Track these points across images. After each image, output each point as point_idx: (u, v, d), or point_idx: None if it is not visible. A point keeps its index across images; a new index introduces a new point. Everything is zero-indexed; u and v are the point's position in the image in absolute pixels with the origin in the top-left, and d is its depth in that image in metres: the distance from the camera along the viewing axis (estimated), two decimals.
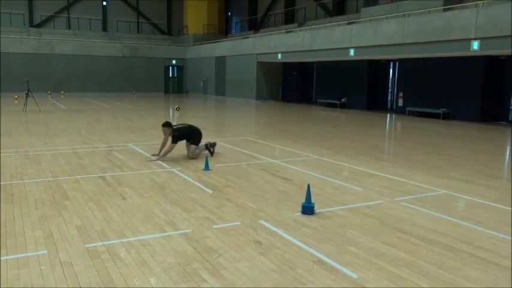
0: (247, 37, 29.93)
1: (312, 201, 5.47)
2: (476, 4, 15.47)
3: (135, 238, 4.53)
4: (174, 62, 36.44)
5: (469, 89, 17.50)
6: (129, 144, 10.54)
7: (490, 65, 17.10)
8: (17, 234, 4.58)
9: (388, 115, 20.39)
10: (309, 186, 5.50)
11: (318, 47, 22.04)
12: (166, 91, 36.58)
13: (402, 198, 6.17)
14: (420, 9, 17.37)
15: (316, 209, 5.48)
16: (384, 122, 18.08)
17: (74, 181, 6.92)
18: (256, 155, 9.51)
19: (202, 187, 6.66)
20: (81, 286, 3.48)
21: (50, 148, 9.92)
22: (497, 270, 3.91)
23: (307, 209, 5.40)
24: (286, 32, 25.89)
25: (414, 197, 6.27)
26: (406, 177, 7.50)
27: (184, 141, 8.96)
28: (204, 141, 9.18)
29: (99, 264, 3.89)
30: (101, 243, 4.38)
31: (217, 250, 4.25)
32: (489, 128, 15.60)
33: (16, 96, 24.51)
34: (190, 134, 8.95)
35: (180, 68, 37.01)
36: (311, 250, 4.26)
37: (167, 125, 8.70)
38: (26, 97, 18.94)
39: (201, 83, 34.41)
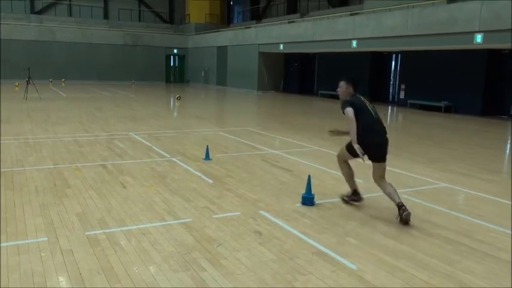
0: (249, 27, 29.75)
1: (312, 192, 5.48)
2: None
3: (135, 226, 4.55)
4: (175, 51, 36.26)
5: (471, 82, 17.42)
6: (130, 133, 10.54)
7: (492, 58, 17.01)
8: (18, 221, 4.59)
9: (390, 107, 20.34)
10: (309, 177, 5.50)
11: (320, 38, 21.92)
12: (168, 80, 36.45)
13: (402, 190, 6.16)
14: (424, 1, 17.25)
15: (316, 200, 5.49)
16: (385, 114, 18.02)
17: (75, 169, 6.93)
18: (257, 145, 9.51)
19: (203, 177, 6.66)
20: (81, 273, 3.50)
21: (50, 136, 9.92)
22: (496, 263, 3.92)
23: (307, 200, 5.41)
24: (289, 23, 25.74)
25: (414, 190, 6.28)
26: (407, 170, 7.49)
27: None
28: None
29: (99, 252, 3.90)
30: (101, 231, 4.40)
31: (217, 240, 4.26)
32: (490, 122, 15.56)
33: (17, 83, 24.46)
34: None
35: (181, 58, 36.85)
36: (310, 241, 4.27)
37: (347, 80, 5.21)
38: (27, 84, 18.89)
39: (202, 72, 34.29)
